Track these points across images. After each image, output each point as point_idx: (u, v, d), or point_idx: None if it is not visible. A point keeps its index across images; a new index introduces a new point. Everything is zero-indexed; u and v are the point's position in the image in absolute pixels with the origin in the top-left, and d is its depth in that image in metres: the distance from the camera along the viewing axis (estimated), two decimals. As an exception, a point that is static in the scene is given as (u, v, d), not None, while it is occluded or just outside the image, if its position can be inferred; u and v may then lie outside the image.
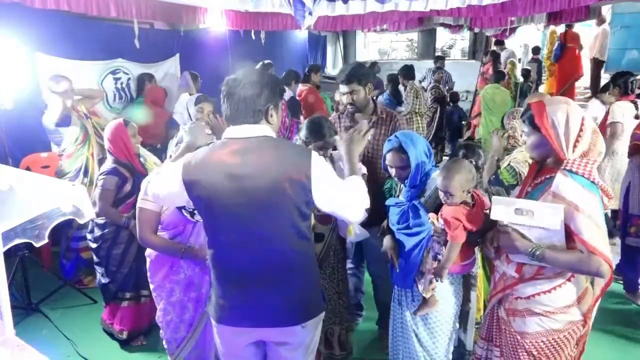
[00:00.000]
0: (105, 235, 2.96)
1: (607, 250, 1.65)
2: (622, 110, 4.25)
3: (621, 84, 4.45)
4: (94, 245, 3.01)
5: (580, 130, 1.69)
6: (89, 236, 3.05)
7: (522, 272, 1.83)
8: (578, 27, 9.74)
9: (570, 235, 1.70)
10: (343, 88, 2.77)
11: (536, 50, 10.13)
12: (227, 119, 1.75)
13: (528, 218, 1.73)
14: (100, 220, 2.97)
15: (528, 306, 1.83)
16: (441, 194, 2.02)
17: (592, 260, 1.64)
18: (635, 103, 4.42)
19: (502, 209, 1.80)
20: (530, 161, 2.34)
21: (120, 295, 3.04)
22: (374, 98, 3.02)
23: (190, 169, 1.70)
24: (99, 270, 3.03)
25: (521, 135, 2.86)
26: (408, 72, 6.70)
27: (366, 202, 1.81)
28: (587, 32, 10.27)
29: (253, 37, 6.86)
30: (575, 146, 1.71)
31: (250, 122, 1.71)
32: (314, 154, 1.72)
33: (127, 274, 2.98)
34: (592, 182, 1.69)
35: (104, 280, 3.01)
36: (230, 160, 1.67)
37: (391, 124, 2.81)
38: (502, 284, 1.91)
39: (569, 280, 1.77)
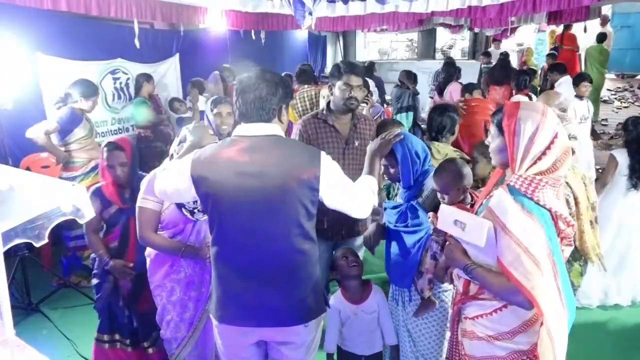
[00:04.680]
0: (93, 276, 2.64)
1: (528, 282, 1.45)
2: None
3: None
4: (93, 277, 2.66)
5: (548, 147, 1.51)
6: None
7: (467, 289, 1.73)
8: (580, 27, 9.76)
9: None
10: (356, 80, 2.55)
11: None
12: (239, 116, 1.76)
13: (461, 231, 1.60)
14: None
15: (473, 328, 1.71)
16: (438, 194, 2.03)
17: (512, 288, 1.49)
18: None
19: (445, 218, 1.69)
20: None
21: (109, 337, 2.64)
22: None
23: (199, 165, 1.71)
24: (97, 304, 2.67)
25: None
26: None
27: (372, 201, 1.87)
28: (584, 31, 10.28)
29: (253, 37, 6.86)
30: (534, 163, 1.52)
31: (263, 121, 1.73)
32: (323, 154, 1.74)
33: (123, 309, 2.58)
34: (538, 204, 1.50)
35: (99, 320, 2.66)
36: (239, 158, 1.68)
37: (371, 130, 2.73)
38: (457, 298, 1.84)
39: (510, 304, 1.60)
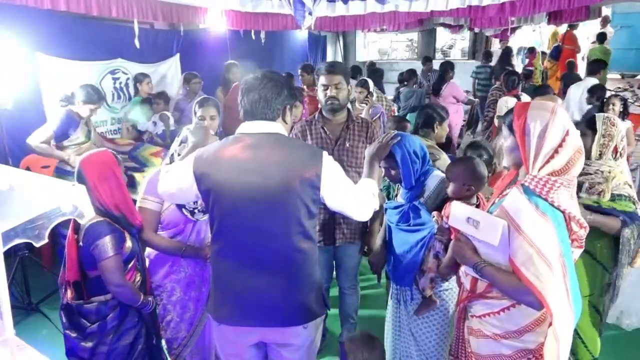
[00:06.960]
0: (108, 324, 2.01)
1: (539, 283, 1.46)
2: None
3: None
4: (88, 344, 1.99)
5: (559, 146, 1.51)
6: (72, 334, 2.01)
7: (475, 287, 1.74)
8: (581, 27, 9.79)
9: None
10: (331, 79, 2.56)
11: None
12: (243, 114, 1.79)
13: (474, 229, 1.61)
14: (92, 305, 2.01)
15: (480, 327, 1.72)
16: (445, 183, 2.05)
17: (523, 288, 1.49)
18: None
19: (458, 216, 1.69)
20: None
21: None
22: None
23: (202, 162, 1.73)
24: None
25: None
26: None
27: (374, 204, 1.87)
28: (585, 31, 10.31)
29: (253, 37, 6.85)
30: (547, 162, 1.52)
31: (267, 119, 1.75)
32: (325, 153, 1.76)
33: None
34: (552, 205, 1.50)
35: None
36: (241, 155, 1.69)
37: (368, 131, 2.69)
38: (463, 295, 1.84)
39: (518, 303, 1.61)
